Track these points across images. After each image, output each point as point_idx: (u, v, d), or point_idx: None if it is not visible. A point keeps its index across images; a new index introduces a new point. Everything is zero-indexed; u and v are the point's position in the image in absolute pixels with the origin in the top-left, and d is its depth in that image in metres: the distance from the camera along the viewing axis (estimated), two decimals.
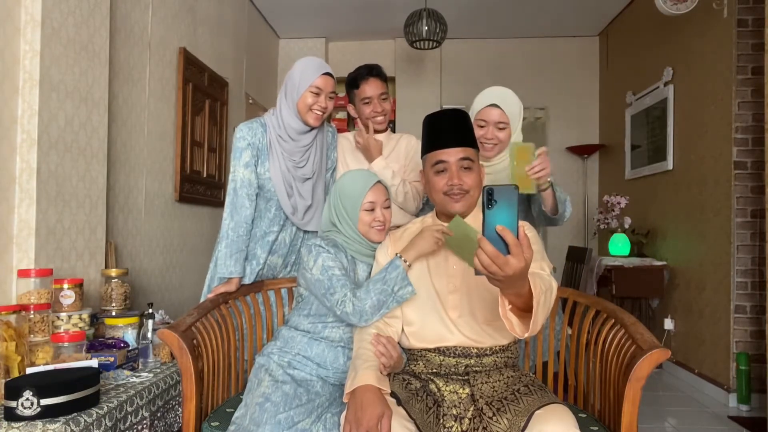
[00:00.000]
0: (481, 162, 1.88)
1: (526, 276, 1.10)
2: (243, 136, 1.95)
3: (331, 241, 1.64)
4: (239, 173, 1.94)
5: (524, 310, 1.21)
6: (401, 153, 2.23)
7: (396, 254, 1.52)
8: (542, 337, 1.89)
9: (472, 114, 1.98)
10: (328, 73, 1.95)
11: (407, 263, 1.49)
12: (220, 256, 1.94)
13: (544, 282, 1.24)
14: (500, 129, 1.94)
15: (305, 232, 2.09)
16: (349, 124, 5.62)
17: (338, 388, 1.60)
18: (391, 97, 2.26)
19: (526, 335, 1.21)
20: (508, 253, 1.02)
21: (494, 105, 1.94)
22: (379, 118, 2.19)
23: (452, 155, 1.50)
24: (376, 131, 2.22)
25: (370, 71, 2.18)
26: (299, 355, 1.62)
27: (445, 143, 1.51)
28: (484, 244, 1.03)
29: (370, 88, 2.17)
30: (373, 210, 1.64)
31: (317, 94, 1.93)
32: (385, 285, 1.48)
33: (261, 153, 1.97)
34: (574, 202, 5.28)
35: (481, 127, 1.95)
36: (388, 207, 1.68)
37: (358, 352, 1.47)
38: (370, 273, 1.66)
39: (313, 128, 2.00)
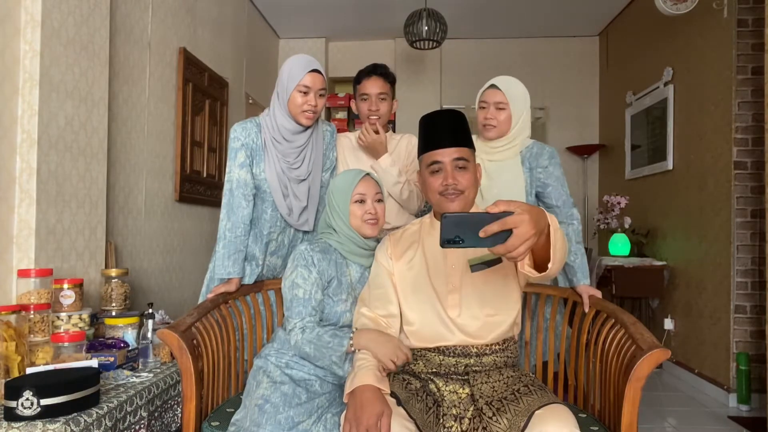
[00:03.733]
0: (483, 147, 2.02)
1: (539, 209, 1.12)
2: (237, 137, 1.95)
3: (320, 245, 1.64)
4: (234, 174, 1.94)
5: (542, 262, 1.23)
6: (402, 153, 2.23)
7: (350, 338, 1.51)
8: (542, 337, 1.90)
9: (477, 98, 2.05)
10: (315, 70, 1.90)
11: (353, 347, 1.50)
12: (217, 257, 1.93)
13: (553, 221, 1.24)
14: (499, 109, 1.98)
15: (304, 233, 2.09)
16: (349, 124, 5.62)
17: (337, 387, 1.59)
18: (392, 99, 2.23)
19: (549, 266, 1.21)
20: (509, 233, 1.04)
21: (494, 86, 1.99)
22: (373, 117, 2.17)
23: (447, 155, 1.50)
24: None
25: (374, 69, 2.18)
26: (296, 355, 1.62)
27: (440, 143, 1.51)
28: (501, 250, 1.04)
29: (370, 85, 2.16)
30: (363, 202, 1.63)
31: (306, 93, 1.89)
32: (327, 350, 1.51)
33: (255, 153, 1.95)
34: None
35: (483, 108, 2.01)
36: (380, 201, 1.67)
37: (358, 352, 1.47)
38: (362, 275, 1.66)
39: (307, 128, 1.98)
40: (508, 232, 1.03)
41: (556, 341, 1.98)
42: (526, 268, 1.23)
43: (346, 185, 1.64)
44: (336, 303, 1.59)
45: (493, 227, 1.02)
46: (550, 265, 1.20)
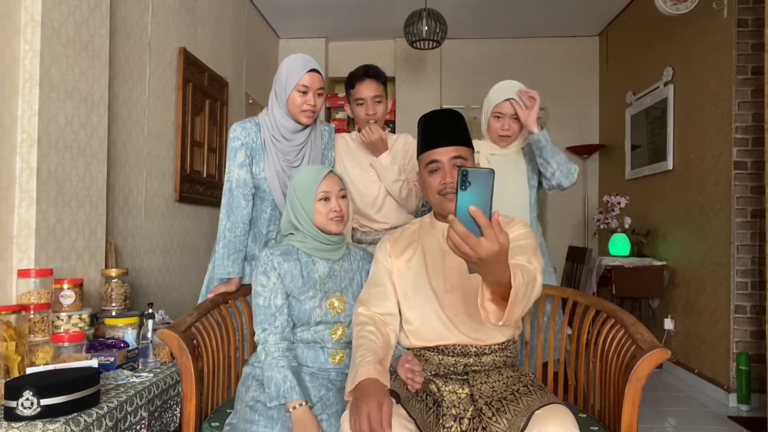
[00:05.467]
0: (488, 144, 2.18)
1: (506, 262, 1.08)
2: (236, 136, 1.95)
3: (281, 248, 1.63)
4: (234, 173, 1.94)
5: (506, 298, 1.18)
6: (399, 153, 2.23)
7: (298, 405, 1.45)
8: (542, 337, 1.90)
9: (488, 107, 2.18)
10: (314, 70, 1.90)
11: (294, 409, 1.45)
12: (217, 257, 1.93)
13: (528, 274, 1.22)
14: (515, 119, 2.14)
15: None
16: (349, 124, 5.62)
17: (327, 382, 1.59)
18: (388, 99, 2.23)
19: (500, 324, 1.18)
20: (482, 235, 1.01)
21: (510, 99, 2.11)
22: (371, 122, 2.15)
23: (445, 154, 1.50)
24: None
25: (367, 72, 2.16)
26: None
27: (438, 143, 1.51)
28: (455, 225, 1.01)
29: (365, 89, 2.14)
30: (328, 200, 1.61)
31: (305, 93, 1.88)
32: (277, 389, 1.46)
33: (255, 153, 1.95)
34: (574, 201, 5.36)
35: (498, 118, 2.16)
36: (344, 197, 1.65)
37: (358, 341, 1.46)
38: (331, 269, 1.64)
39: (306, 126, 1.98)
40: (479, 232, 1.02)
41: (555, 341, 1.99)
42: (486, 304, 1.18)
43: (309, 183, 1.62)
44: (303, 302, 1.58)
45: (481, 219, 1.01)
46: (507, 308, 1.15)
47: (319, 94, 1.92)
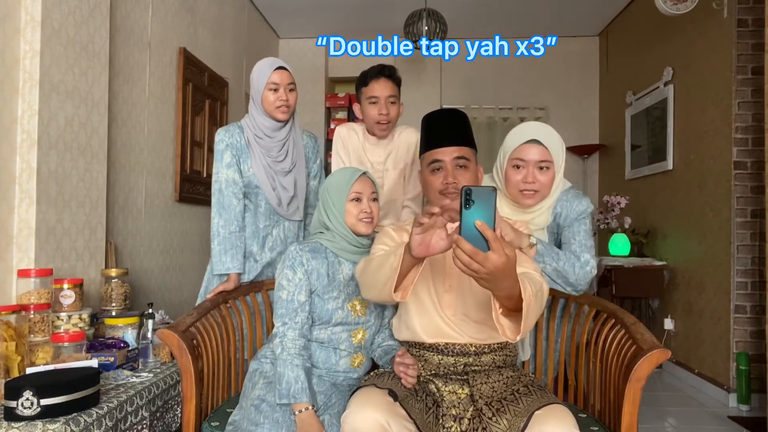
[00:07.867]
0: (511, 213, 1.72)
1: (514, 275, 1.10)
2: (221, 139, 2.03)
3: (311, 245, 1.64)
4: (222, 174, 2.01)
5: (517, 310, 1.20)
6: (401, 148, 2.21)
7: (305, 408, 1.45)
8: (542, 336, 1.89)
9: (506, 153, 1.71)
10: (281, 67, 1.99)
11: (300, 412, 1.44)
12: (214, 254, 1.96)
13: (535, 284, 1.23)
14: (542, 169, 1.64)
15: (300, 228, 2.14)
16: None
17: (333, 386, 1.59)
18: (400, 103, 2.17)
19: (518, 338, 1.20)
20: (489, 249, 1.02)
21: (534, 141, 1.65)
22: (383, 125, 2.10)
23: (447, 154, 1.51)
24: (379, 138, 2.17)
25: (382, 70, 2.11)
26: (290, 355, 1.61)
27: (441, 142, 1.52)
28: (462, 243, 1.02)
29: (379, 87, 2.09)
30: (359, 200, 1.62)
31: (276, 90, 1.98)
32: (288, 387, 1.46)
33: (241, 153, 2.02)
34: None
35: (518, 167, 1.65)
36: (376, 200, 1.66)
37: (378, 256, 1.41)
38: (354, 273, 1.65)
39: (285, 123, 2.04)
40: (487, 247, 1.03)
41: (555, 355, 1.97)
42: (501, 320, 1.19)
43: (342, 184, 1.63)
44: (326, 301, 1.58)
45: (488, 232, 1.02)
46: (522, 322, 1.16)
47: (290, 90, 2.00)
